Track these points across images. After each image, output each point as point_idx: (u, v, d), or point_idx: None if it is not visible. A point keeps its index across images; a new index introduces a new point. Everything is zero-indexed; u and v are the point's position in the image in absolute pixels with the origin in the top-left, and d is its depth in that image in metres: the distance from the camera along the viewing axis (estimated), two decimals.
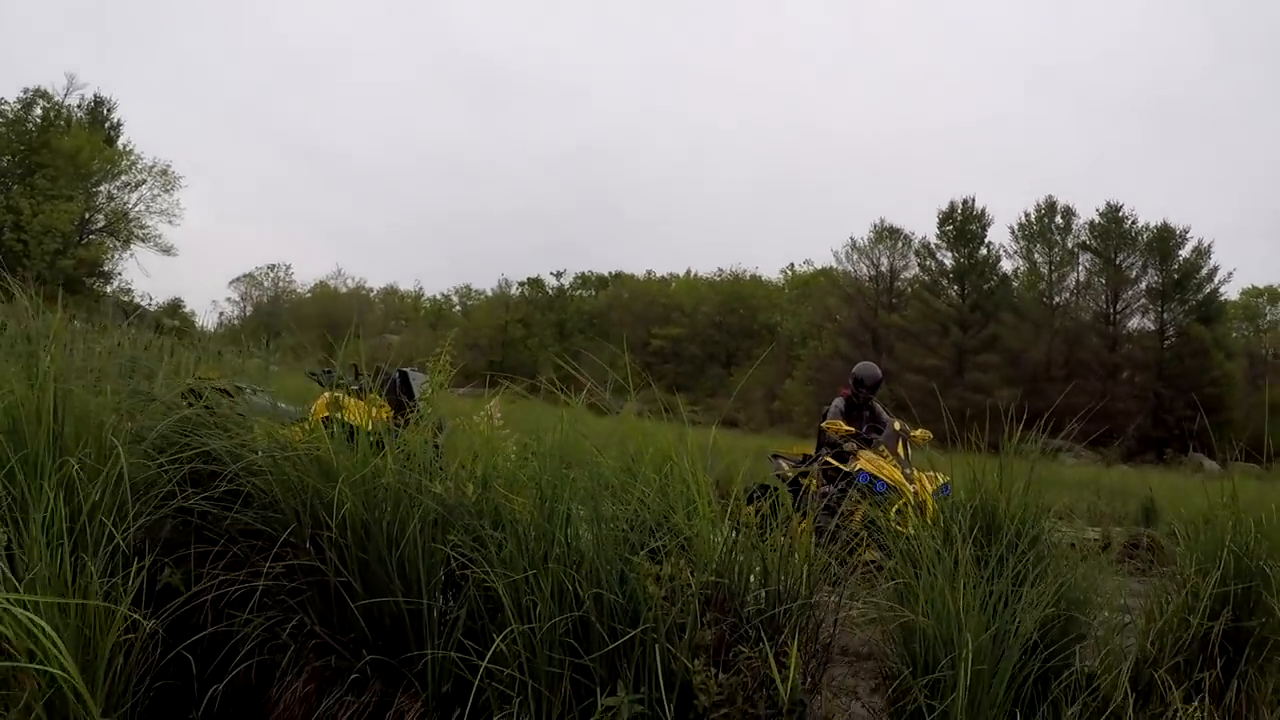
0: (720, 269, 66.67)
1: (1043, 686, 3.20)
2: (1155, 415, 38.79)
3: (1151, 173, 79.24)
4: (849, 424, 6.57)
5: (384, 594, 3.13)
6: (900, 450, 5.60)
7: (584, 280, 69.45)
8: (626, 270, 68.48)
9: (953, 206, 49.56)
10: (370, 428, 3.40)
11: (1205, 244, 46.32)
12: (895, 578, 3.22)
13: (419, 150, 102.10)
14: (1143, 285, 47.61)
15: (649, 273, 68.28)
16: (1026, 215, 49.72)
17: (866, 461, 5.92)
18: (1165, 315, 46.86)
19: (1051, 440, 3.90)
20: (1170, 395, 32.52)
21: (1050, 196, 49.44)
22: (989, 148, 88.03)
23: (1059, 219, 49.09)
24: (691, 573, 2.92)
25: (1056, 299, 49.57)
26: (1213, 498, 3.72)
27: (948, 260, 50.04)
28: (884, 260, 52.44)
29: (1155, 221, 46.98)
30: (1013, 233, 50.08)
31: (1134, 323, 48.30)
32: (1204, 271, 46.47)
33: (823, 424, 6.61)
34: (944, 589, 2.95)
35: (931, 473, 4.53)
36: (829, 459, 6.16)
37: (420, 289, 74.19)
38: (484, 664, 2.86)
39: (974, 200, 49.32)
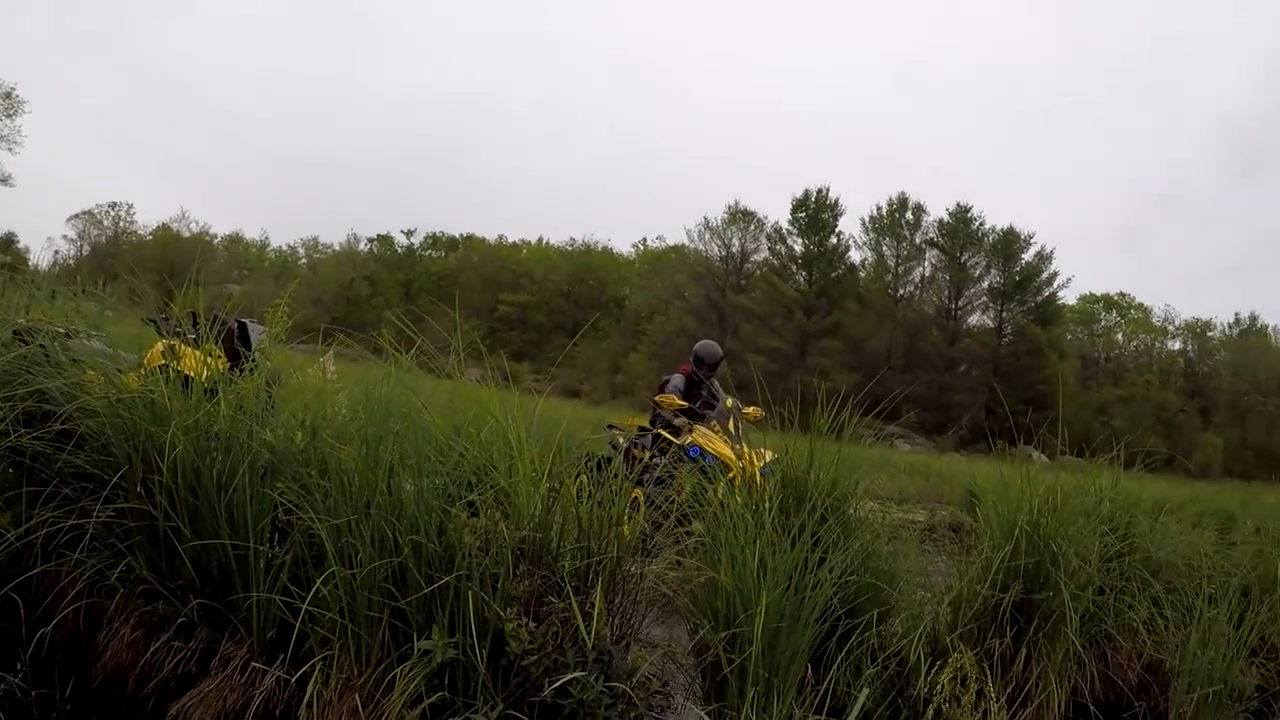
0: (573, 239, 66.36)
1: (845, 647, 3.45)
2: (988, 408, 40.68)
3: (1003, 177, 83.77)
4: (688, 401, 6.73)
5: (212, 539, 3.19)
6: (731, 426, 5.84)
7: (434, 241, 67.56)
8: (479, 234, 67.36)
9: (807, 194, 50.56)
10: (204, 377, 3.44)
11: (1048, 250, 48.99)
12: (704, 539, 3.42)
13: (273, 94, 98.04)
14: (985, 284, 49.81)
15: (501, 237, 67.37)
16: (878, 208, 51.31)
17: (698, 435, 6.17)
18: (1004, 314, 49.29)
19: (885, 426, 4.15)
20: (1004, 390, 34.55)
21: (903, 192, 51.36)
22: (847, 140, 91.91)
23: (909, 215, 50.75)
24: (507, 527, 3.07)
25: (901, 291, 51.11)
26: (1010, 481, 3.98)
27: (798, 246, 51.01)
28: (735, 241, 53.14)
29: (1002, 224, 49.35)
30: (863, 224, 51.56)
31: (974, 319, 50.57)
32: (1044, 276, 49.10)
33: (657, 397, 6.77)
34: (744, 547, 3.16)
35: (762, 450, 4.76)
36: (661, 431, 6.38)
37: (266, 239, 71.32)
38: (305, 606, 2.96)
39: (828, 190, 50.46)
